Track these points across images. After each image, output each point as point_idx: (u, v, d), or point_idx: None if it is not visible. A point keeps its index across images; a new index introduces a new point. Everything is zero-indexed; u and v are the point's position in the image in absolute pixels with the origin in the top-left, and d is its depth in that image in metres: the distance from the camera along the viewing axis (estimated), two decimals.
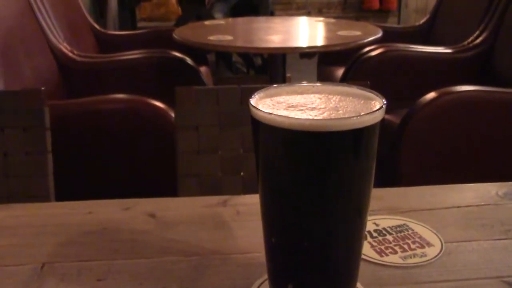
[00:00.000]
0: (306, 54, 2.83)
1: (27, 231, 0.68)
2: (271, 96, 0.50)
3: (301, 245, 0.48)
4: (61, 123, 1.56)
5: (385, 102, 0.46)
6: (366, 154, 0.46)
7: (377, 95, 0.48)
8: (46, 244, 0.65)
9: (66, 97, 2.22)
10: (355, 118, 0.44)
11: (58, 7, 2.41)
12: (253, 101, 0.47)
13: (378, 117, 0.45)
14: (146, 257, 0.62)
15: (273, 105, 0.47)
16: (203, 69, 2.65)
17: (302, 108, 0.47)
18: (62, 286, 0.57)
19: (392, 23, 4.40)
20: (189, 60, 2.32)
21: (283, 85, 0.51)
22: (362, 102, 0.48)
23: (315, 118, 0.44)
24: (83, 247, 0.65)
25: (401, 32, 3.02)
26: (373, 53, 2.38)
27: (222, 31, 2.38)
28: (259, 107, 0.46)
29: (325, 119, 0.44)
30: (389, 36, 2.69)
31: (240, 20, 2.81)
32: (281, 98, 0.49)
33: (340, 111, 0.46)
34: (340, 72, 2.60)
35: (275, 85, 0.51)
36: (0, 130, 1.19)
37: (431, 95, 1.84)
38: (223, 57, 4.04)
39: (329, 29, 2.52)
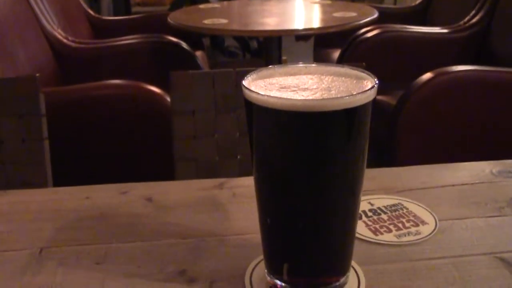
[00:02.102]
0: (301, 36, 2.82)
1: (24, 217, 0.69)
2: (264, 77, 0.50)
3: (296, 225, 0.48)
4: (57, 109, 1.56)
5: (377, 82, 0.46)
6: (359, 133, 0.46)
7: (369, 75, 0.48)
8: (44, 230, 0.65)
9: (62, 83, 2.21)
10: (347, 97, 0.44)
11: None
12: (245, 83, 0.47)
13: (370, 96, 0.45)
14: (143, 240, 0.63)
15: (265, 86, 0.47)
16: (198, 53, 2.64)
17: (294, 89, 0.47)
18: (60, 270, 0.57)
19: (388, 4, 4.38)
20: (184, 45, 2.32)
21: (275, 66, 0.51)
22: (355, 82, 0.48)
23: (307, 98, 0.45)
24: (80, 231, 0.65)
25: (397, 12, 3.00)
26: (369, 35, 2.37)
27: (217, 15, 2.36)
28: (252, 88, 0.46)
29: (317, 99, 0.44)
30: (385, 17, 2.68)
31: (235, 3, 2.79)
32: (273, 80, 0.49)
33: (333, 91, 0.46)
34: (336, 54, 2.59)
35: (268, 67, 0.51)
36: None
37: (427, 75, 1.84)
38: (215, 42, 4.02)
39: (325, 11, 2.50)
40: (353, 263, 0.55)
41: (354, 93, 0.45)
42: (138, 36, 2.43)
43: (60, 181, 1.18)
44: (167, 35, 2.40)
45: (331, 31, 2.10)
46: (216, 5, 2.78)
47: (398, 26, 2.44)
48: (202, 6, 2.73)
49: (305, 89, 0.46)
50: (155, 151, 1.61)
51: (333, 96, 0.45)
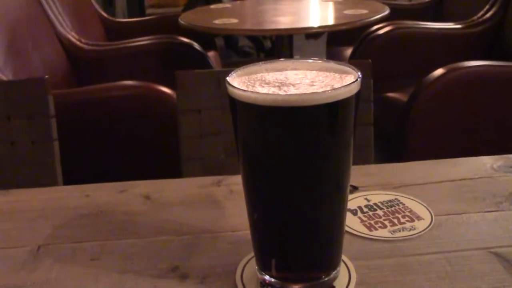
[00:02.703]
0: (312, 34, 2.81)
1: (26, 215, 0.70)
2: (249, 74, 0.50)
3: (282, 220, 0.49)
4: (68, 111, 1.58)
5: (359, 75, 0.46)
6: (342, 128, 0.46)
7: (353, 69, 0.48)
8: (43, 227, 0.66)
9: (75, 85, 2.24)
10: (328, 91, 0.44)
11: None
12: (229, 79, 0.48)
13: (352, 90, 0.45)
14: (138, 237, 0.63)
15: (249, 82, 0.48)
16: (211, 53, 2.65)
17: (277, 84, 0.47)
18: (57, 266, 0.58)
19: (402, 1, 4.34)
20: (196, 45, 2.33)
21: (261, 62, 0.51)
22: (338, 76, 0.48)
23: (288, 93, 0.45)
24: (78, 229, 0.66)
25: (410, 9, 2.98)
26: (381, 31, 2.36)
27: (228, 15, 2.37)
28: (235, 84, 0.46)
29: (298, 93, 0.45)
30: (398, 14, 2.66)
31: (247, 3, 2.79)
32: (258, 76, 0.49)
33: (315, 86, 0.46)
34: (349, 51, 2.58)
35: (254, 63, 0.51)
36: (7, 119, 1.21)
37: (439, 71, 1.82)
38: (229, 41, 4.03)
39: (336, 9, 2.49)
40: (344, 258, 0.55)
41: (336, 87, 0.45)
42: (151, 37, 2.45)
43: (70, 181, 1.20)
44: (179, 36, 2.42)
45: (341, 29, 2.09)
46: (228, 5, 2.79)
47: (410, 23, 2.42)
48: (213, 6, 2.74)
49: (288, 84, 0.47)
50: (164, 151, 1.62)
51: (315, 90, 0.45)
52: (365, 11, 2.32)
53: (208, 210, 0.69)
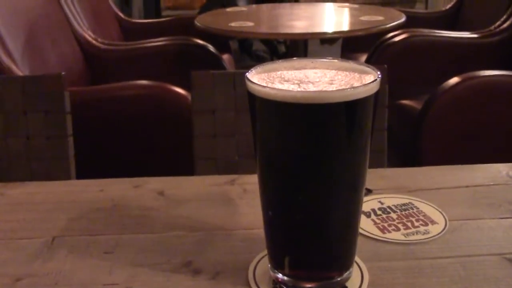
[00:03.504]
0: (327, 40, 2.81)
1: (40, 207, 0.71)
2: (268, 71, 0.50)
3: (296, 218, 0.49)
4: (83, 108, 1.59)
5: (379, 75, 0.46)
6: (360, 127, 0.46)
7: (373, 69, 0.48)
8: (58, 219, 0.67)
9: (91, 83, 2.26)
10: (347, 90, 0.44)
11: None
12: (249, 75, 0.48)
13: (371, 89, 0.45)
14: (152, 232, 0.64)
15: (268, 79, 0.48)
16: (225, 56, 2.66)
17: (297, 82, 0.47)
18: (70, 257, 0.59)
19: (419, 9, 4.33)
20: (211, 47, 2.34)
21: (281, 60, 0.51)
22: (358, 76, 0.48)
23: (308, 90, 0.45)
24: (92, 222, 0.67)
25: (426, 17, 2.97)
26: (396, 39, 2.35)
27: (243, 18, 2.38)
28: (254, 81, 0.47)
29: (317, 91, 0.45)
30: (414, 22, 2.66)
31: (263, 7, 2.80)
32: (278, 73, 0.49)
33: (334, 84, 0.46)
34: (363, 58, 2.57)
35: (273, 61, 0.51)
36: (23, 114, 1.22)
37: (454, 80, 1.82)
38: (243, 45, 4.04)
39: (352, 15, 2.49)
40: (357, 259, 0.55)
41: (355, 85, 0.45)
42: (166, 38, 2.47)
43: (83, 177, 1.21)
44: (194, 37, 2.43)
45: (357, 35, 2.09)
46: (244, 8, 2.80)
47: (426, 31, 2.41)
48: (229, 9, 2.75)
49: (307, 82, 0.47)
50: (177, 151, 1.63)
51: (334, 88, 0.45)
52: (381, 18, 2.32)
53: (221, 208, 0.69)
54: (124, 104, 1.69)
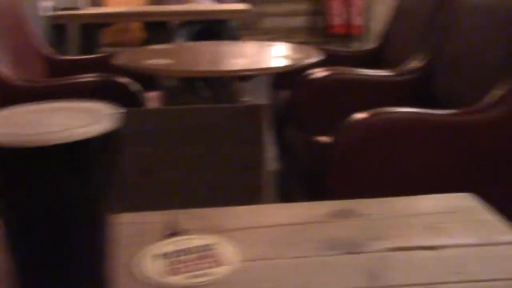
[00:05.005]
0: (242, 77, 2.86)
1: None
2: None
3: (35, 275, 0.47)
4: None
5: (119, 113, 0.46)
6: (84, 174, 0.45)
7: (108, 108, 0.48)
8: None
9: None
10: (69, 131, 0.43)
11: (1, 33, 2.44)
12: None
13: (89, 132, 0.44)
14: None
15: None
16: (153, 94, 2.67)
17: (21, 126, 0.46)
18: None
19: (356, 47, 4.47)
20: (132, 85, 2.33)
21: (24, 105, 0.50)
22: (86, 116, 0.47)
23: (19, 133, 0.44)
24: None
25: (350, 56, 3.05)
26: (316, 76, 2.40)
27: (164, 55, 2.39)
28: None
29: (27, 134, 0.44)
30: (338, 60, 2.72)
31: (188, 45, 2.83)
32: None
33: (55, 128, 0.46)
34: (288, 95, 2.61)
35: (20, 105, 0.51)
36: None
37: (360, 115, 1.85)
38: (184, 81, 4.06)
39: (273, 53, 2.54)
40: None
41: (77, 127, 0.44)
42: (89, 75, 2.46)
43: None
44: (122, 75, 2.42)
45: (270, 72, 2.12)
46: (167, 46, 2.82)
47: (346, 69, 2.47)
48: (154, 46, 2.77)
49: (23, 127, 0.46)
50: None
51: (48, 130, 0.45)
52: (300, 56, 2.37)
53: None
54: None
